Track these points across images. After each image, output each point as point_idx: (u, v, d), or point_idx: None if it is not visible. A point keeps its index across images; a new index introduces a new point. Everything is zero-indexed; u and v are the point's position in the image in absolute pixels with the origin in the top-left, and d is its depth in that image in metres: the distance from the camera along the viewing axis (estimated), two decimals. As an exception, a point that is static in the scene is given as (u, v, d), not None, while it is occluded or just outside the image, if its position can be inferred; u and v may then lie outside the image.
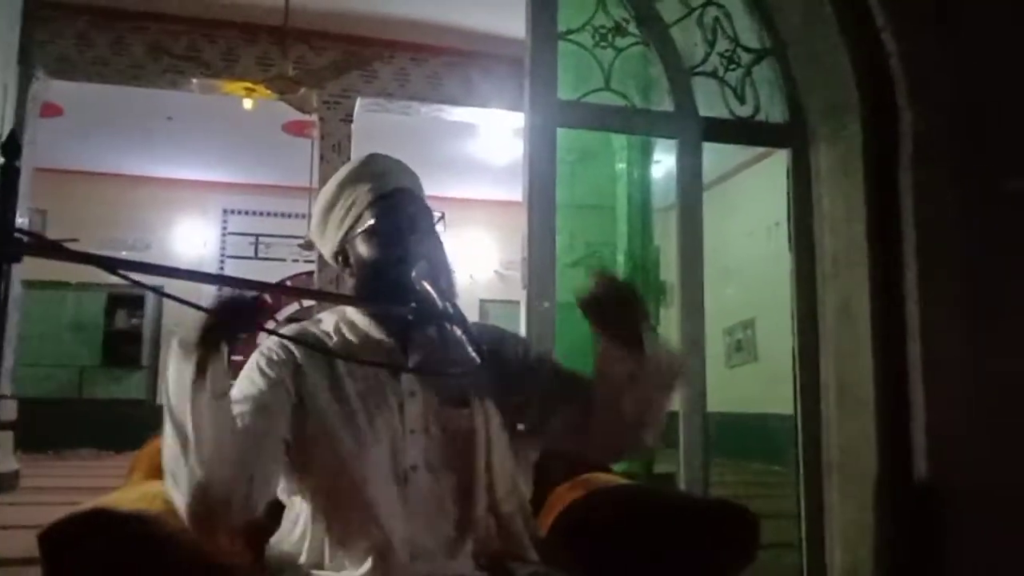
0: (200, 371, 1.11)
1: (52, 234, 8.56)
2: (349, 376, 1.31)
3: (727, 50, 2.98)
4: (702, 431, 2.74)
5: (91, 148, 9.22)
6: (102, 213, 9.75)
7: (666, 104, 2.93)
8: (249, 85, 6.11)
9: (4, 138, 0.74)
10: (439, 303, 1.18)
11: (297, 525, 1.32)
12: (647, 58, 3.00)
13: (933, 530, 2.44)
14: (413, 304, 1.23)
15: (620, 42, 2.87)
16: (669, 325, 2.92)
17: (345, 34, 6.67)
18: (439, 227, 1.40)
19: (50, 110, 7.21)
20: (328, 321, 1.42)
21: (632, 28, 2.89)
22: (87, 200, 9.73)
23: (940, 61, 2.59)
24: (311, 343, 1.35)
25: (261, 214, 10.33)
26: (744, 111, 2.97)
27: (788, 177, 2.99)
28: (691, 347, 2.77)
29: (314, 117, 6.89)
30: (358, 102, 6.84)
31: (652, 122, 3.01)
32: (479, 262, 10.57)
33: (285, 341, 1.33)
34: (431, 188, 1.46)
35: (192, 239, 10.30)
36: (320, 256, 6.47)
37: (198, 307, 1.12)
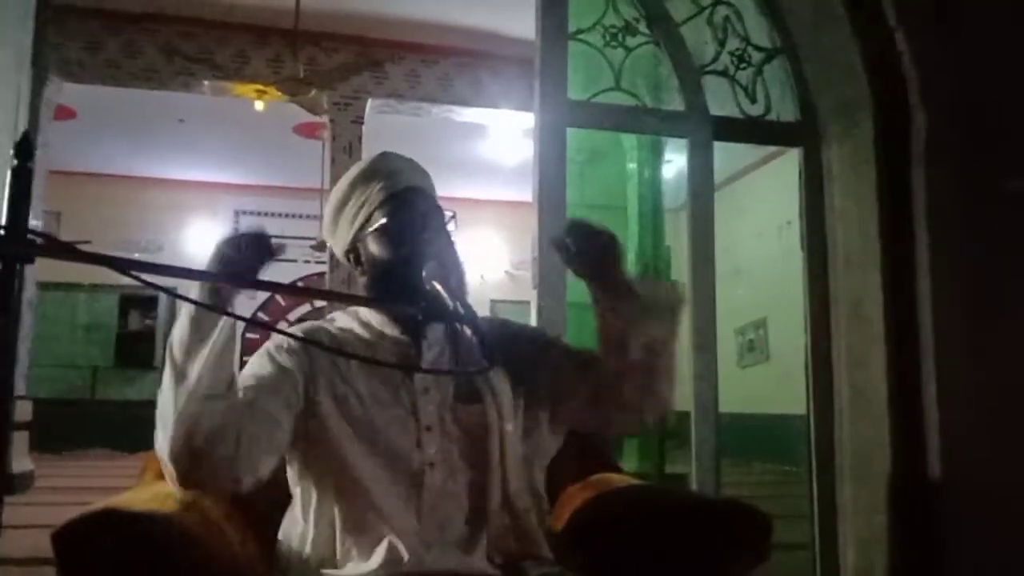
0: (211, 297, 1.14)
1: (65, 236, 8.60)
2: (362, 373, 1.32)
3: (738, 49, 2.97)
4: (714, 431, 2.73)
5: (104, 150, 9.28)
6: (115, 215, 9.83)
7: (677, 104, 2.92)
8: (260, 87, 6.13)
9: (17, 140, 0.74)
10: (449, 303, 1.18)
11: (307, 518, 1.32)
12: (657, 57, 2.99)
13: (947, 530, 2.43)
14: (423, 304, 1.23)
15: (630, 41, 2.86)
16: (680, 326, 2.91)
17: (356, 36, 6.69)
18: (450, 227, 1.40)
19: (63, 113, 7.26)
20: (341, 320, 1.43)
21: (642, 27, 2.88)
22: (100, 202, 9.80)
23: (941, 61, 2.58)
24: (323, 343, 1.35)
25: (272, 215, 10.35)
26: (755, 110, 2.96)
27: (800, 176, 2.97)
28: (702, 347, 2.76)
29: (325, 118, 6.92)
30: (369, 103, 6.86)
31: (663, 122, 3.00)
32: (489, 262, 10.58)
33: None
34: (441, 189, 1.46)
35: (204, 240, 10.32)
36: (332, 257, 6.50)
37: (209, 307, 1.12)
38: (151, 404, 1.18)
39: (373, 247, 1.37)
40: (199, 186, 10.16)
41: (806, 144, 2.95)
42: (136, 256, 7.60)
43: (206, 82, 6.52)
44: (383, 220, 1.35)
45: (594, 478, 1.67)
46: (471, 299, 1.27)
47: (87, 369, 10.04)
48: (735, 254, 7.05)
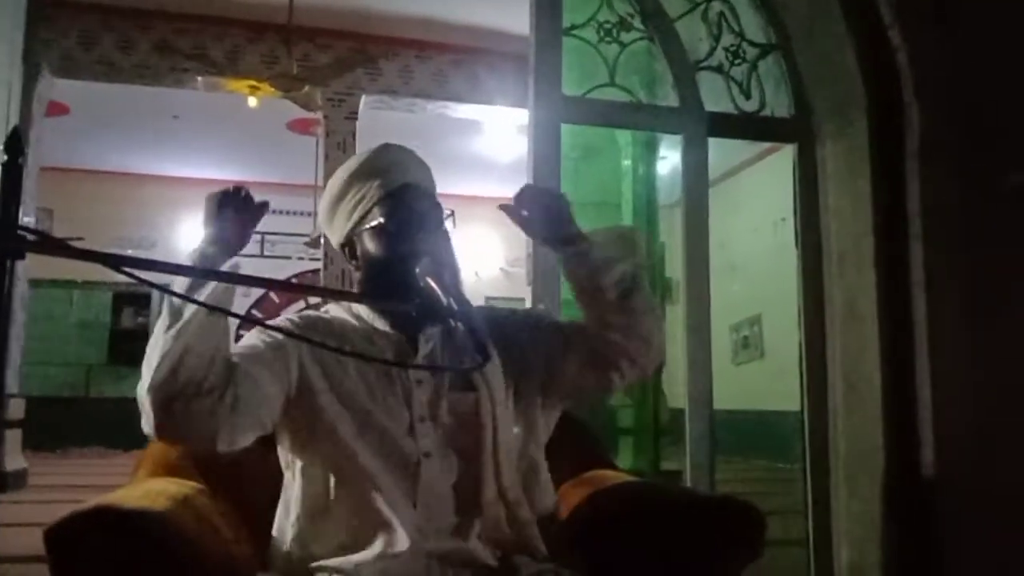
0: (214, 247, 1.19)
1: (59, 233, 8.58)
2: (355, 366, 1.32)
3: (732, 45, 2.97)
4: (708, 428, 2.73)
5: (97, 147, 9.24)
6: (108, 211, 9.79)
7: (671, 99, 2.92)
8: (254, 83, 6.12)
9: (8, 135, 0.74)
10: (443, 299, 1.18)
11: (299, 509, 1.31)
12: (652, 53, 2.99)
13: (941, 528, 2.43)
14: (417, 300, 1.22)
15: (625, 37, 2.86)
16: (675, 322, 2.92)
17: (350, 31, 6.67)
18: (449, 224, 1.40)
19: (56, 109, 7.23)
20: (334, 310, 1.43)
21: (637, 23, 2.88)
22: (93, 199, 9.76)
23: (937, 58, 2.58)
24: (318, 341, 1.35)
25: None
26: (750, 106, 2.96)
27: (794, 172, 2.98)
28: (697, 344, 2.77)
29: (319, 115, 6.90)
30: (363, 99, 6.84)
31: (657, 118, 3.00)
32: (484, 259, 10.57)
33: (294, 325, 1.36)
34: (436, 186, 1.46)
35: (198, 237, 10.28)
36: (326, 253, 6.49)
37: (204, 304, 1.12)
38: (144, 403, 1.17)
39: (369, 244, 1.38)
40: (193, 182, 10.10)
41: (800, 140, 2.96)
42: (130, 253, 7.58)
43: (200, 78, 6.50)
44: (380, 219, 1.35)
45: (588, 475, 1.67)
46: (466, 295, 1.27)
47: (81, 367, 10.00)
48: (730, 250, 7.06)
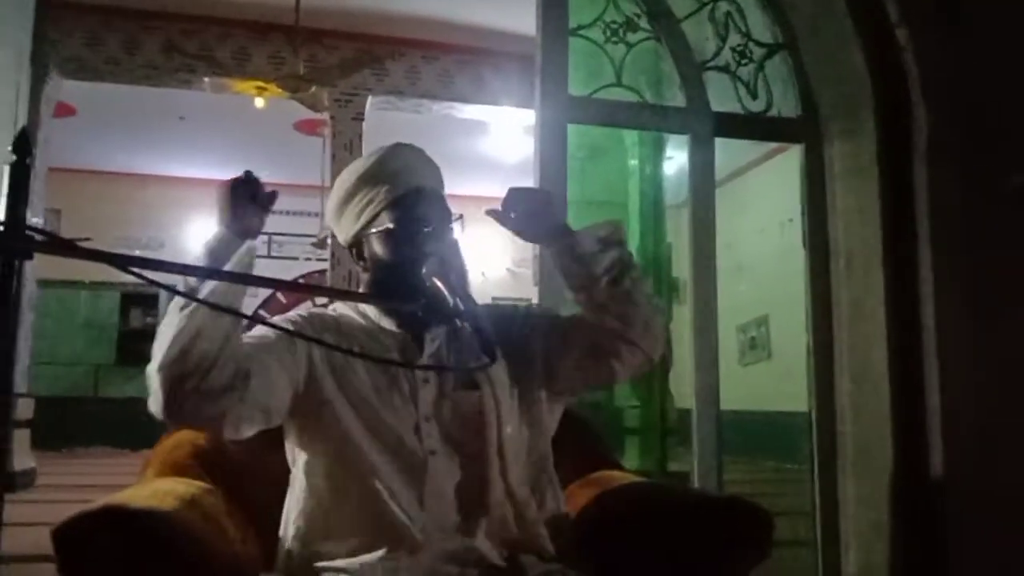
0: (234, 229, 1.19)
1: (66, 233, 8.59)
2: (363, 363, 1.33)
3: (739, 45, 2.96)
4: (715, 429, 2.73)
5: (104, 148, 9.27)
6: (116, 212, 9.82)
7: (678, 100, 2.91)
8: (261, 84, 6.13)
9: (15, 136, 0.74)
10: (449, 299, 1.18)
11: (304, 506, 1.32)
12: (658, 53, 2.98)
13: (948, 529, 2.42)
14: (423, 301, 1.23)
15: (631, 37, 2.85)
16: (682, 322, 2.91)
17: (356, 32, 6.67)
18: (457, 228, 1.41)
19: (63, 110, 7.25)
20: (342, 310, 1.44)
21: (643, 23, 2.88)
22: (101, 199, 9.80)
23: (943, 58, 2.57)
24: (325, 342, 1.35)
25: (273, 212, 10.28)
26: (756, 106, 2.95)
27: (801, 172, 2.97)
28: (704, 344, 2.76)
29: (325, 115, 6.91)
30: (369, 100, 6.84)
31: (664, 118, 2.99)
32: (491, 260, 10.55)
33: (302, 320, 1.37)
34: (445, 185, 1.47)
35: (205, 237, 10.31)
36: (333, 254, 6.50)
37: (211, 304, 1.12)
38: (152, 403, 1.18)
39: (377, 247, 1.38)
40: (199, 183, 10.13)
41: (808, 141, 2.95)
42: (137, 253, 7.61)
43: (206, 79, 6.51)
44: (388, 224, 1.36)
45: (595, 476, 1.66)
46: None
47: (89, 367, 10.04)
48: (737, 251, 7.05)
